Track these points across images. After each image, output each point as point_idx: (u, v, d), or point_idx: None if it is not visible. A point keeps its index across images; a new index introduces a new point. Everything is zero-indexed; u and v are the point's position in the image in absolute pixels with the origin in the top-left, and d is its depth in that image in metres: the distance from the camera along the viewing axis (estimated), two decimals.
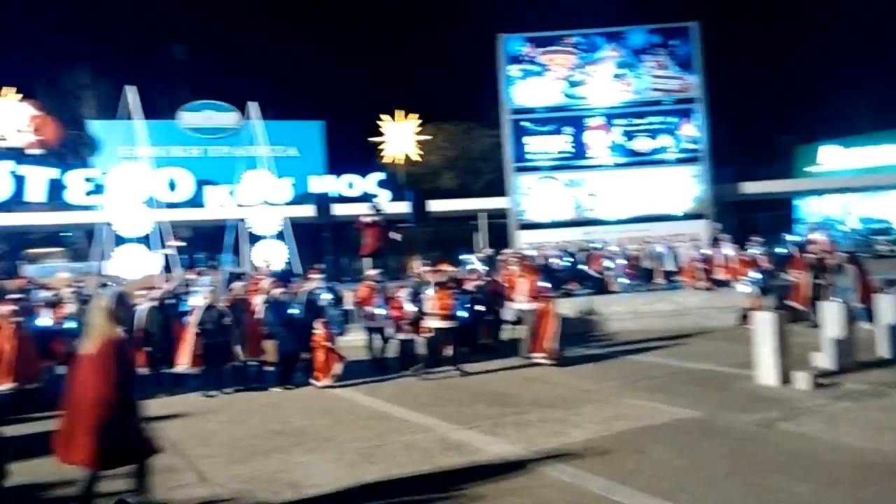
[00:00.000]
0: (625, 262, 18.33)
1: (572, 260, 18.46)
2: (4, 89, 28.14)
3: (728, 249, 16.50)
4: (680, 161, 26.48)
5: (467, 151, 36.91)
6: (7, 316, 8.64)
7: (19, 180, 26.40)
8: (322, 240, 22.82)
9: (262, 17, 52.23)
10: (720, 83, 29.12)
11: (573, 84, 26.75)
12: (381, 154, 34.47)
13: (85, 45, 46.66)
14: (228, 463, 6.46)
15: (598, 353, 12.03)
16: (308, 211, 23.85)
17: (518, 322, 12.23)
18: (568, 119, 26.79)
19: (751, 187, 28.69)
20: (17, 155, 27.59)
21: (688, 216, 26.00)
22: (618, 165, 26.79)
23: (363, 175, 30.42)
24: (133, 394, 4.92)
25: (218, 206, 28.09)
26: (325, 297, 11.75)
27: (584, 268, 18.17)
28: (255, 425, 8.01)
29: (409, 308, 11.23)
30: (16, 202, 26.62)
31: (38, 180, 26.61)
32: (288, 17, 53.08)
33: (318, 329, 10.31)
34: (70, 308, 10.52)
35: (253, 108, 28.82)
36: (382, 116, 34.07)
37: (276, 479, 5.89)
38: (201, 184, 28.49)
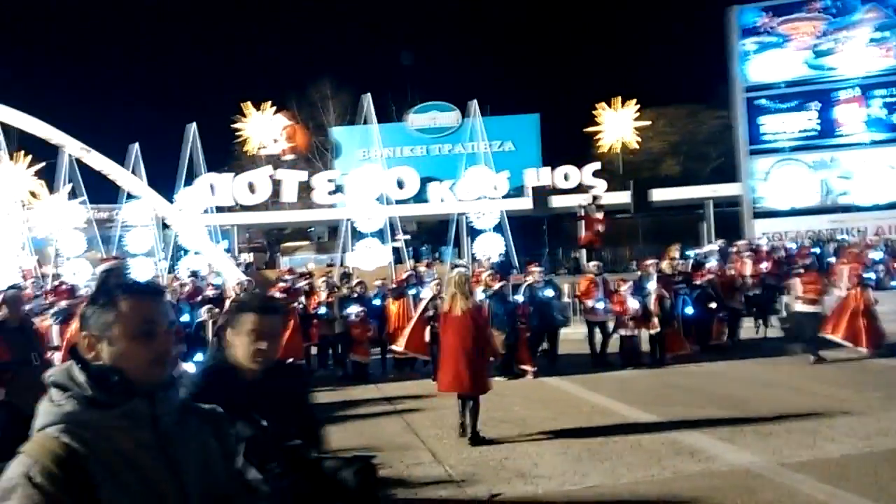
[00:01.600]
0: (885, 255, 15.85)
1: (818, 252, 16.43)
2: (263, 104, 32.47)
3: None
4: None
5: (691, 135, 34.60)
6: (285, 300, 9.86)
7: (276, 183, 30.33)
8: (538, 232, 22.94)
9: (477, 17, 53.89)
10: None
11: (820, 54, 23.72)
12: (598, 144, 33.67)
13: (327, 57, 51.97)
14: (458, 446, 6.79)
15: (857, 358, 10.55)
16: (524, 204, 24.15)
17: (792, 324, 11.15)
18: (813, 93, 23.84)
19: None
20: (275, 161, 31.71)
21: None
22: (875, 143, 23.24)
23: (579, 166, 30.03)
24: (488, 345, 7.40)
25: (440, 201, 29.65)
26: (548, 292, 11.77)
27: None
28: (481, 412, 8.32)
29: (632, 303, 10.85)
30: (272, 202, 30.57)
31: (290, 183, 30.31)
32: (499, 13, 54.12)
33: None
34: (322, 296, 11.81)
35: (473, 106, 29.86)
36: (598, 105, 33.26)
37: (503, 465, 6.05)
38: (425, 181, 30.29)
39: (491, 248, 26.13)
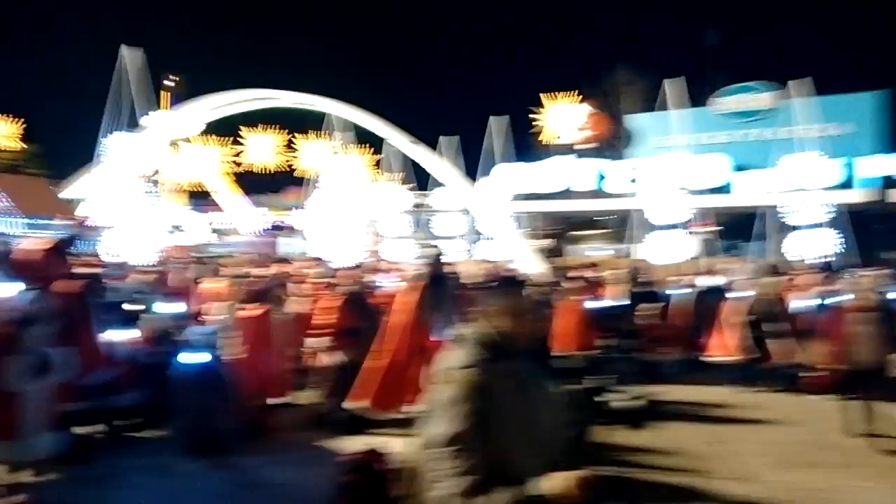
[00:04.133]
0: None
1: None
2: (564, 94, 33.04)
3: None
4: None
5: None
6: (571, 292, 9.92)
7: (570, 172, 30.71)
8: (880, 229, 19.51)
9: None
10: None
11: None
12: None
13: (622, 45, 50.89)
14: (767, 466, 6.13)
15: None
16: (860, 196, 20.67)
17: None
18: None
19: None
20: (568, 150, 32.13)
21: None
22: None
23: None
24: None
25: (747, 192, 27.00)
26: None
27: None
28: (792, 432, 7.39)
29: None
30: (565, 191, 31.01)
31: (587, 172, 30.39)
32: None
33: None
34: (616, 289, 11.59)
35: (794, 85, 26.46)
36: None
37: (819, 497, 5.31)
38: (732, 170, 27.85)
39: (812, 246, 22.84)
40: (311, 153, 33.43)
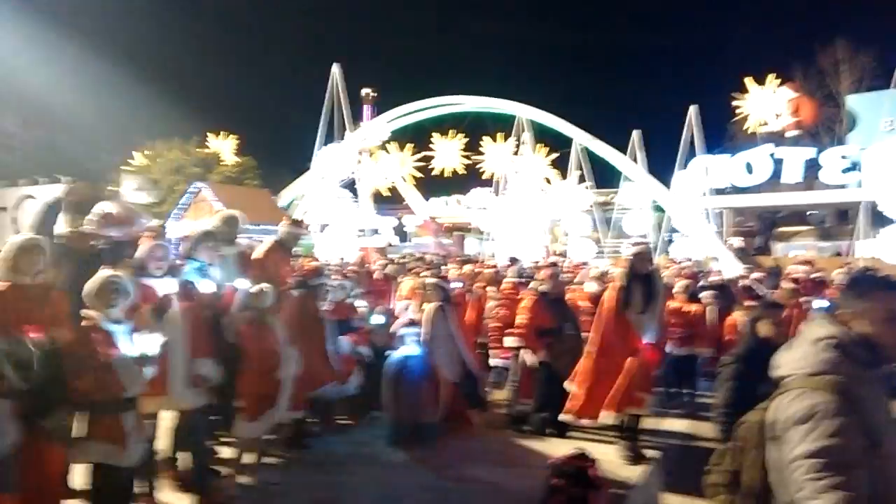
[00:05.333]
0: None
1: None
2: (765, 78, 30.13)
3: None
4: None
5: None
6: (794, 294, 8.87)
7: (777, 163, 27.86)
8: None
9: None
10: None
11: None
12: None
13: (838, 19, 45.35)
14: None
15: None
16: None
17: None
18: None
19: None
20: (777, 139, 29.18)
21: None
22: None
23: None
24: None
25: None
26: None
27: None
28: None
29: None
30: (770, 183, 28.22)
31: (794, 161, 27.46)
32: None
33: None
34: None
35: None
36: None
37: None
38: None
39: None
40: (496, 155, 33.89)
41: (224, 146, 41.55)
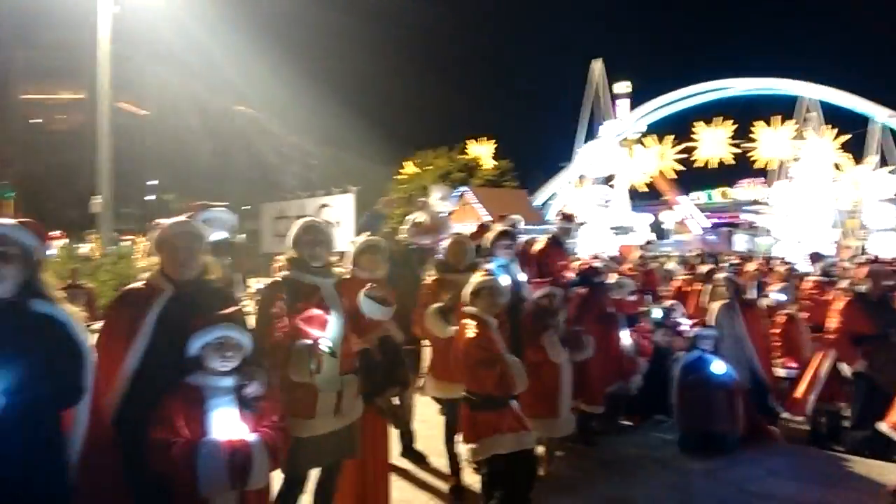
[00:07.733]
0: None
1: None
2: None
3: None
4: None
5: None
6: None
7: None
8: None
9: None
10: None
11: None
12: None
13: None
14: None
15: None
16: None
17: None
18: None
19: None
20: None
21: None
22: None
23: None
24: None
25: None
26: None
27: None
28: None
29: None
30: None
31: None
32: None
33: None
34: None
35: None
36: None
37: None
38: None
39: None
40: (772, 141, 30.57)
41: (483, 151, 43.91)
